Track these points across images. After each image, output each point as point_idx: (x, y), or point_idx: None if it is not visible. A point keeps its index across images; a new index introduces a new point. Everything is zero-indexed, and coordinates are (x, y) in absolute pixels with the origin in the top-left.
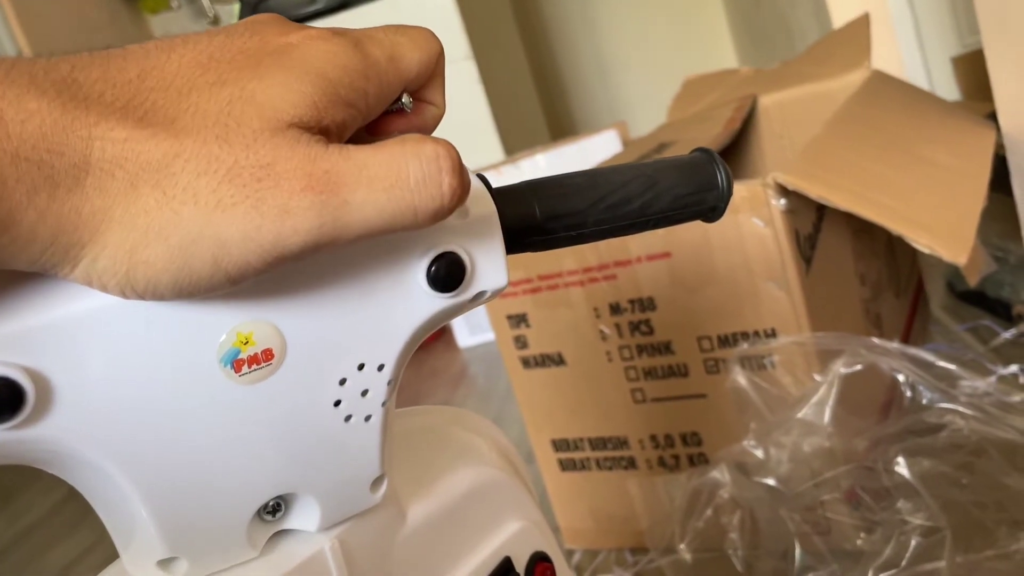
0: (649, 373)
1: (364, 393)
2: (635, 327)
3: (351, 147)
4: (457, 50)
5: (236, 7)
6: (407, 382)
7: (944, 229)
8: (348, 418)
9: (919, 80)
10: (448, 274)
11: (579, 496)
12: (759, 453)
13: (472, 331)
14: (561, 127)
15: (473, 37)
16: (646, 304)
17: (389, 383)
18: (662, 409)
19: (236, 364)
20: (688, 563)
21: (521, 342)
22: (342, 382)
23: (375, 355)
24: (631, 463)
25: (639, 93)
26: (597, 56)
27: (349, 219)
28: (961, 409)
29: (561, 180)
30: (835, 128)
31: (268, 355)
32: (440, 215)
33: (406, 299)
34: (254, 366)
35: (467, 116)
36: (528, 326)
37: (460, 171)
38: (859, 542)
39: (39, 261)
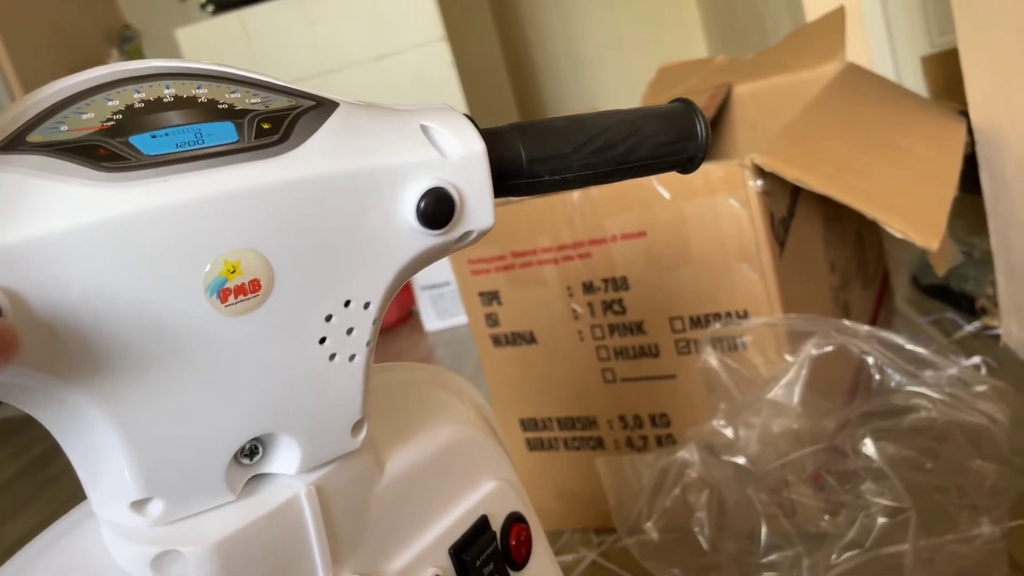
0: (620, 353)
1: (349, 331)
2: (608, 306)
3: None
4: (431, 31)
5: None
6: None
7: (917, 215)
8: (333, 356)
9: (888, 77)
10: (437, 210)
11: (545, 476)
12: (728, 433)
13: (439, 315)
14: (532, 112)
15: (448, 19)
16: (619, 283)
17: (374, 321)
18: (632, 389)
19: (222, 294)
20: (655, 542)
21: (492, 320)
22: (328, 318)
23: (362, 292)
24: (599, 443)
25: (611, 84)
26: (570, 46)
27: None
28: (929, 392)
29: (547, 123)
30: (812, 114)
31: (255, 286)
32: None
33: (394, 235)
34: (241, 296)
35: (440, 98)
36: (500, 304)
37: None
38: (823, 524)
39: None
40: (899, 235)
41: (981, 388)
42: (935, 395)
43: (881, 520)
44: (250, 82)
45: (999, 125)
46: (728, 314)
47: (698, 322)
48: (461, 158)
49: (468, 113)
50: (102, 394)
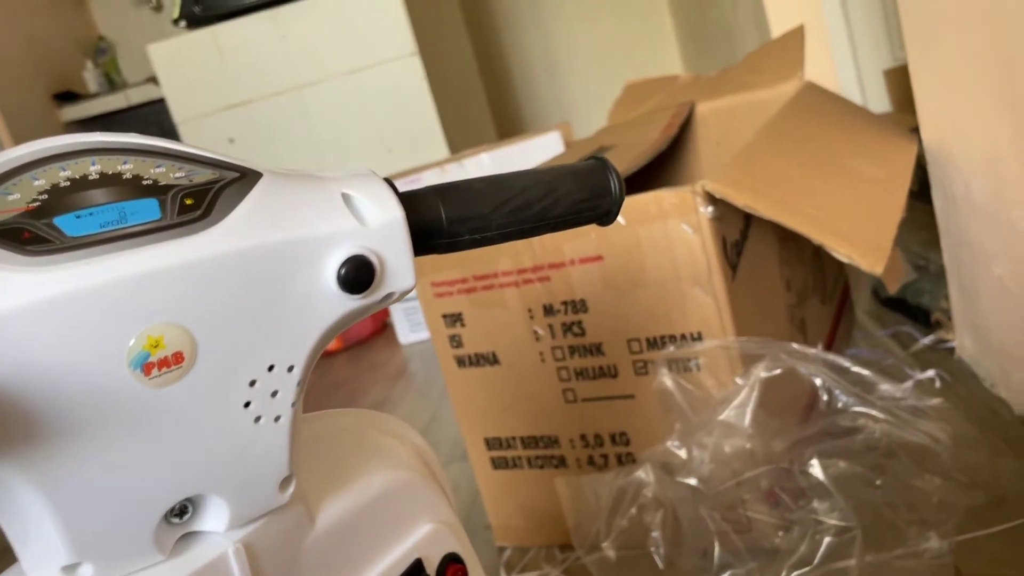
0: (580, 374)
1: (274, 394)
2: (567, 328)
3: None
4: (403, 46)
5: None
6: (346, 377)
7: (863, 239)
8: (258, 419)
9: (852, 90)
10: (357, 277)
11: (511, 494)
12: (682, 453)
13: (413, 328)
14: (509, 126)
15: (419, 33)
16: (578, 306)
17: (298, 383)
18: (592, 409)
19: (146, 367)
20: (612, 561)
21: (456, 341)
22: (252, 383)
23: (286, 356)
24: (561, 462)
25: (587, 94)
26: (546, 57)
27: None
28: (874, 413)
29: (466, 185)
30: (765, 138)
31: (178, 358)
32: None
33: (316, 301)
34: (164, 369)
35: (412, 113)
36: (463, 325)
37: None
38: (777, 540)
39: None
40: (845, 259)
41: (926, 407)
42: (880, 415)
43: (828, 538)
44: (175, 155)
45: (948, 145)
46: (683, 336)
47: (655, 344)
48: (380, 225)
49: (388, 177)
50: (30, 465)
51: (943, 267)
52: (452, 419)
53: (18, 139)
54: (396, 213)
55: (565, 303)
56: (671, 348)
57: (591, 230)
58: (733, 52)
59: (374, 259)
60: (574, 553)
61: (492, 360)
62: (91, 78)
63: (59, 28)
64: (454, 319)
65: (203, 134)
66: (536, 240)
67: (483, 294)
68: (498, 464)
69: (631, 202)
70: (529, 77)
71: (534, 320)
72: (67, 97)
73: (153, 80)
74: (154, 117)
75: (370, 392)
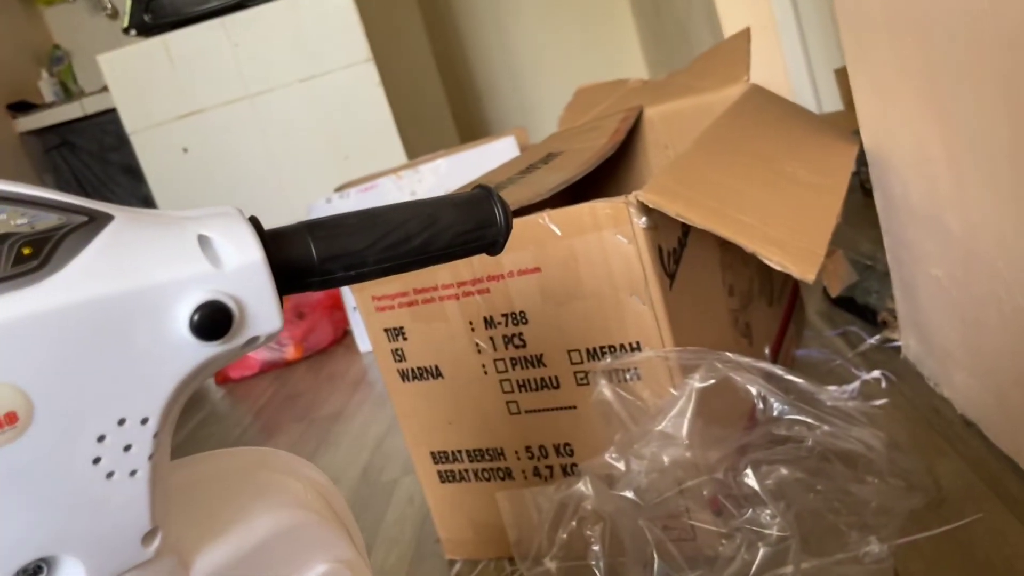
0: (523, 385)
1: (127, 448)
2: (508, 340)
3: None
4: (357, 52)
5: (128, 2)
6: (305, 387)
7: (797, 246)
8: (110, 474)
9: (804, 89)
10: (213, 322)
11: (458, 507)
12: (620, 465)
13: None
14: (472, 130)
15: (375, 39)
16: (518, 318)
17: (155, 435)
18: (536, 420)
19: None
20: (554, 574)
21: (399, 355)
22: (101, 439)
23: (137, 409)
24: (507, 473)
25: (551, 96)
26: (508, 60)
27: None
28: (808, 420)
29: (338, 220)
30: (702, 145)
31: (12, 418)
32: None
33: (168, 350)
34: None
35: (367, 119)
36: (405, 339)
37: None
38: (721, 548)
39: None
40: (777, 267)
41: (861, 412)
42: (814, 423)
43: (764, 548)
44: (20, 199)
45: (885, 147)
46: (622, 346)
47: (594, 354)
48: (238, 268)
49: (254, 216)
50: None
51: None
52: None
53: None
54: (255, 255)
55: (505, 315)
56: (609, 359)
57: (528, 241)
58: (690, 52)
59: (231, 303)
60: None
61: (435, 373)
62: (46, 87)
63: (12, 36)
64: (396, 333)
65: (156, 144)
66: None
67: (424, 307)
68: (445, 478)
69: (566, 213)
70: (491, 81)
71: (475, 333)
72: (22, 107)
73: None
74: (112, 126)
75: (328, 402)
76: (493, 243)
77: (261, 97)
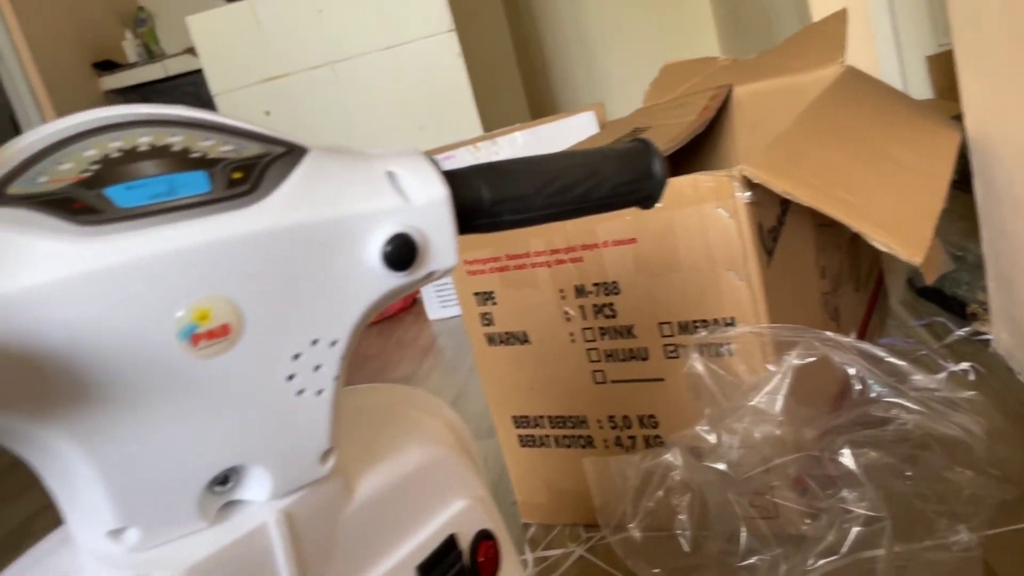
0: (610, 355)
1: (317, 368)
2: (599, 310)
3: None
4: (440, 22)
5: None
6: (375, 351)
7: (903, 228)
8: (300, 392)
9: (893, 77)
10: (401, 254)
11: (537, 472)
12: (711, 438)
13: (443, 304)
14: (542, 106)
15: (456, 10)
16: (610, 288)
17: (341, 358)
18: (621, 391)
19: (194, 338)
20: (638, 541)
21: (487, 319)
22: (296, 356)
23: (329, 331)
24: (588, 442)
25: (621, 75)
26: (581, 37)
27: None
28: (908, 404)
29: (509, 166)
30: (804, 123)
31: (225, 330)
32: None
33: (360, 277)
34: (212, 340)
35: (447, 89)
36: (495, 303)
37: None
38: (804, 527)
39: None
40: (883, 248)
41: (960, 399)
42: (914, 407)
43: (857, 528)
44: (224, 128)
45: (992, 135)
46: (715, 321)
47: (686, 328)
48: (425, 204)
49: (430, 153)
50: (80, 433)
51: (981, 258)
52: (479, 395)
53: (59, 107)
54: (441, 192)
55: (597, 285)
56: (703, 333)
57: (624, 212)
58: (772, 36)
59: (417, 237)
60: (599, 532)
61: (522, 339)
62: (130, 48)
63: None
64: (485, 297)
65: (240, 106)
66: (569, 221)
67: (515, 273)
68: (525, 442)
69: (666, 184)
70: (564, 57)
71: (565, 301)
72: (106, 66)
73: (191, 51)
74: (191, 88)
75: (399, 367)
76: (649, 196)
77: (343, 64)
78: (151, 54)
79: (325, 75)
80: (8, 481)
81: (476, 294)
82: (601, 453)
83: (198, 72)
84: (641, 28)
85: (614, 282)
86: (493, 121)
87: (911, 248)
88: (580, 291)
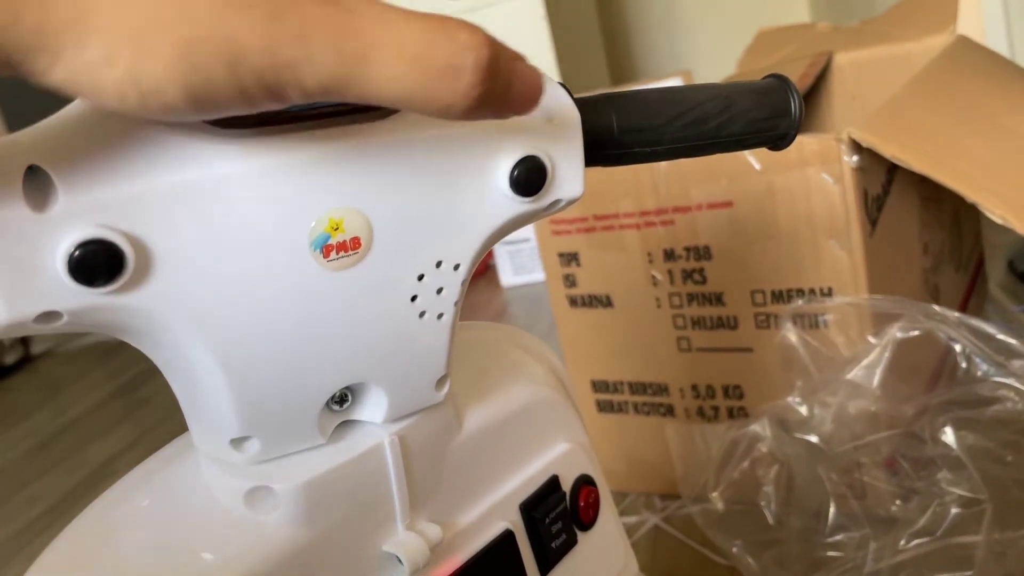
0: (697, 323)
1: (439, 291)
2: (688, 275)
3: (384, 2)
4: None
5: None
6: None
7: (1020, 201)
8: (422, 314)
9: (1000, 50)
10: (529, 178)
11: (613, 438)
12: (803, 410)
13: (516, 271)
14: (622, 72)
15: None
16: (702, 253)
17: (463, 282)
18: (707, 359)
19: (325, 249)
20: (719, 512)
21: (570, 280)
22: (420, 278)
23: (453, 253)
24: (669, 410)
25: (704, 45)
26: (664, 2)
27: (364, 75)
28: (1017, 385)
29: (640, 95)
30: (914, 89)
31: (356, 243)
32: (453, 113)
33: (487, 200)
34: (342, 253)
35: (529, 52)
36: (579, 265)
37: (488, 74)
38: (894, 508)
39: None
40: (999, 220)
41: None
42: (1023, 387)
43: (955, 510)
44: None
45: None
46: (812, 291)
47: (780, 297)
48: (556, 128)
49: (561, 81)
50: (210, 333)
51: None
52: None
53: None
54: (571, 116)
55: (688, 249)
56: (798, 302)
57: (721, 174)
58: (871, 6)
59: (547, 162)
60: (675, 502)
61: (606, 302)
62: None
63: None
64: (570, 258)
65: None
66: (661, 182)
67: (602, 235)
68: (603, 407)
69: None
70: (647, 25)
71: (653, 265)
72: None
73: None
74: None
75: None
76: (784, 135)
77: None
78: None
79: None
80: (91, 422)
81: (560, 255)
82: (682, 422)
83: None
84: None
85: (706, 247)
86: (574, 86)
87: None
88: (669, 255)
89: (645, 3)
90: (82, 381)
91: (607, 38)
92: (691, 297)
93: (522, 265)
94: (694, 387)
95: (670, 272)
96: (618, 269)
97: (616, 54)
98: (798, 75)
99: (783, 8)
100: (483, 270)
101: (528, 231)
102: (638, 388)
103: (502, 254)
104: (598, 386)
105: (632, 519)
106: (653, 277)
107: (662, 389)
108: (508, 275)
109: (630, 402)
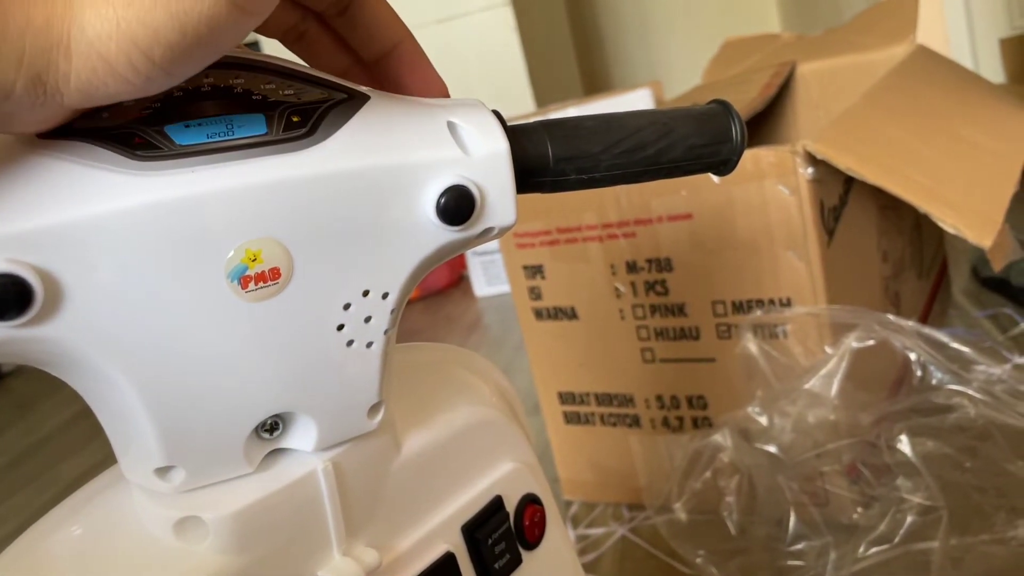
0: (660, 333)
1: (367, 319)
2: (650, 287)
3: None
4: None
5: None
6: (422, 327)
7: (972, 210)
8: (350, 343)
9: (964, 59)
10: (457, 207)
11: (581, 449)
12: (763, 420)
13: (489, 281)
14: (596, 82)
15: None
16: (663, 264)
17: (392, 311)
18: (670, 370)
19: (243, 280)
20: (683, 522)
21: (535, 293)
22: (346, 307)
23: (380, 283)
24: (635, 421)
25: (678, 53)
26: (639, 13)
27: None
28: (971, 392)
29: (576, 122)
30: (872, 99)
31: (275, 274)
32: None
33: (414, 229)
34: (260, 284)
35: (500, 63)
36: (543, 278)
37: None
38: (855, 516)
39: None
40: (951, 230)
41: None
42: (977, 395)
43: (912, 517)
44: (286, 72)
45: None
46: (771, 301)
47: (740, 307)
48: (485, 157)
49: (496, 109)
50: (126, 365)
51: None
52: (525, 372)
53: None
54: (501, 145)
55: (649, 261)
56: (758, 313)
57: (681, 186)
58: (838, 14)
59: (475, 191)
60: (642, 512)
61: (571, 314)
62: None
63: None
64: (534, 271)
65: None
66: (623, 195)
67: (566, 247)
68: (570, 419)
69: None
70: (620, 33)
71: (616, 276)
72: None
73: None
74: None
75: (445, 342)
76: (726, 162)
77: None
78: None
79: None
80: (63, 440)
81: (525, 267)
82: (648, 433)
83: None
84: (700, 6)
85: (668, 259)
86: (546, 97)
87: (979, 231)
88: (632, 267)
89: (618, 13)
90: (53, 399)
91: (579, 48)
92: (654, 308)
93: (496, 275)
94: (659, 397)
95: (633, 284)
96: (582, 281)
97: (589, 64)
98: (762, 85)
99: (755, 18)
100: (456, 281)
101: (495, 243)
102: (604, 399)
103: (475, 265)
104: (565, 398)
105: (600, 530)
106: (616, 289)
107: (628, 400)
108: (482, 286)
109: (597, 413)
